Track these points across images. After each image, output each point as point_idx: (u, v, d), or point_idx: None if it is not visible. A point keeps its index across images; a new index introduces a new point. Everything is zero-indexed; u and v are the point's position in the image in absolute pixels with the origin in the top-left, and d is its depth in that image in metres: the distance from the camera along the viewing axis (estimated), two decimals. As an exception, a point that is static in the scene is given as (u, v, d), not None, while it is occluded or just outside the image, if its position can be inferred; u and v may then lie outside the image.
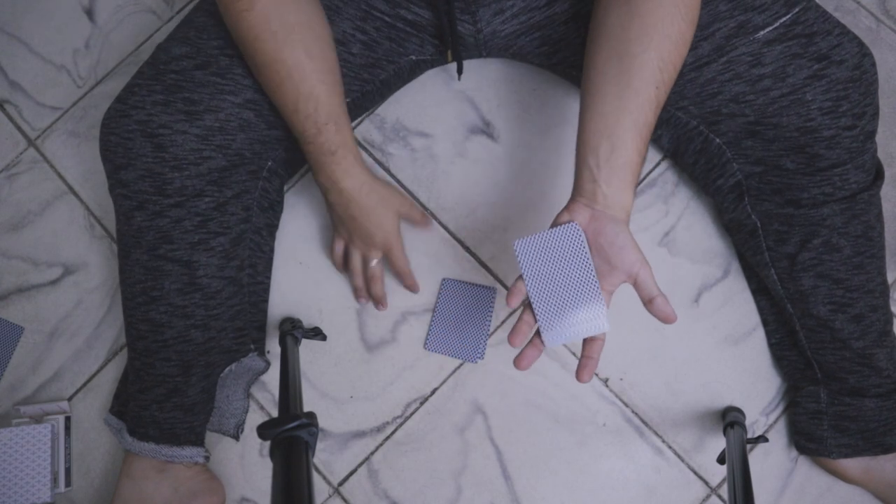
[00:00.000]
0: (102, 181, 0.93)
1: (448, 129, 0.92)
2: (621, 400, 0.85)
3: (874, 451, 0.75)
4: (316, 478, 0.85)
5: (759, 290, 0.85)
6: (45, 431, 0.83)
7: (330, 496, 0.84)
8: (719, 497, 0.82)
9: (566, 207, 0.61)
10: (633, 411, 0.84)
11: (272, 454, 0.49)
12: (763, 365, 0.84)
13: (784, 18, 0.67)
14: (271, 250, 0.86)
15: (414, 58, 0.83)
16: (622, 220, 0.59)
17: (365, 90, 0.81)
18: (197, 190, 0.70)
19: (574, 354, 0.86)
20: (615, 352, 0.85)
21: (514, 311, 0.87)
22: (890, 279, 0.83)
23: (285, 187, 0.90)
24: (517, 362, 0.61)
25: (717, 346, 0.85)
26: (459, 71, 0.84)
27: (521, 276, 0.61)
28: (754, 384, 0.84)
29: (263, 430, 0.50)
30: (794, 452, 0.82)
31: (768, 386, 0.84)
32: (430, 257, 0.88)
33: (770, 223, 0.75)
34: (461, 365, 0.86)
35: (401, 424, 0.85)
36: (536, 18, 0.77)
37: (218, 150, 0.70)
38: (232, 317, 0.77)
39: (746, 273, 0.86)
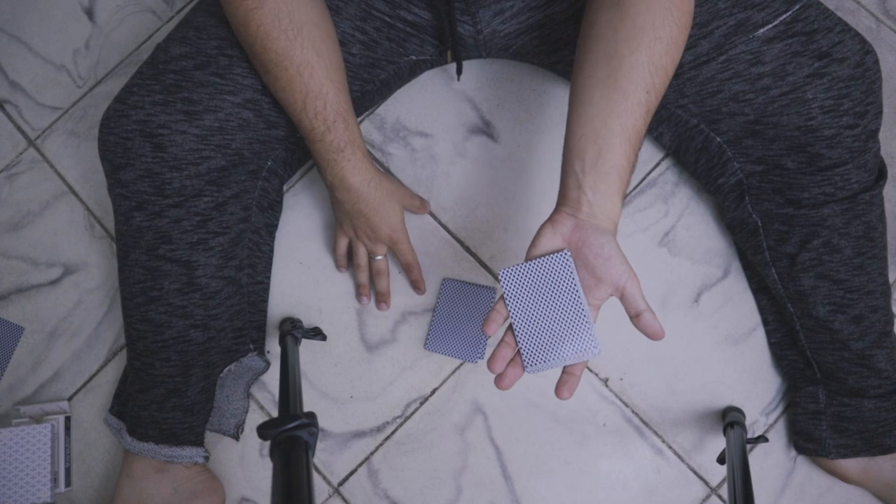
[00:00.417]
0: (102, 181, 0.93)
1: (448, 129, 0.92)
2: (621, 400, 0.84)
3: (873, 451, 0.75)
4: (316, 478, 0.84)
5: (760, 290, 0.84)
6: (45, 431, 0.83)
7: (330, 496, 0.84)
8: (719, 497, 0.82)
9: (549, 219, 0.59)
10: (633, 411, 0.84)
11: (272, 454, 0.49)
12: (763, 365, 0.84)
13: (784, 16, 0.66)
14: (271, 250, 0.86)
15: (414, 58, 0.83)
16: (608, 229, 0.56)
17: (365, 90, 0.81)
18: (196, 190, 0.70)
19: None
20: (615, 352, 0.85)
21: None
22: (891, 279, 0.83)
23: (285, 187, 0.90)
24: (498, 382, 0.57)
25: (717, 346, 0.85)
26: (459, 71, 0.84)
27: (501, 298, 0.58)
28: (754, 384, 0.84)
29: (263, 430, 0.50)
30: (794, 452, 0.82)
31: (768, 386, 0.84)
32: (430, 257, 0.88)
33: (771, 223, 0.74)
34: (461, 365, 0.86)
35: (401, 424, 0.85)
36: (536, 18, 0.77)
37: (217, 150, 0.70)
38: (231, 317, 0.77)
39: (747, 272, 0.86)
